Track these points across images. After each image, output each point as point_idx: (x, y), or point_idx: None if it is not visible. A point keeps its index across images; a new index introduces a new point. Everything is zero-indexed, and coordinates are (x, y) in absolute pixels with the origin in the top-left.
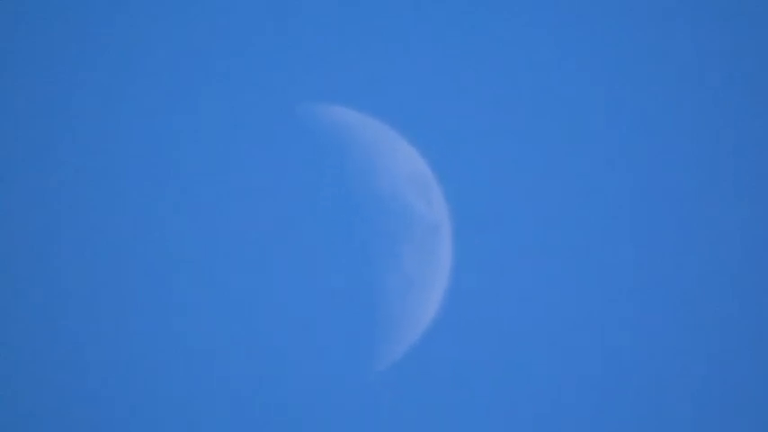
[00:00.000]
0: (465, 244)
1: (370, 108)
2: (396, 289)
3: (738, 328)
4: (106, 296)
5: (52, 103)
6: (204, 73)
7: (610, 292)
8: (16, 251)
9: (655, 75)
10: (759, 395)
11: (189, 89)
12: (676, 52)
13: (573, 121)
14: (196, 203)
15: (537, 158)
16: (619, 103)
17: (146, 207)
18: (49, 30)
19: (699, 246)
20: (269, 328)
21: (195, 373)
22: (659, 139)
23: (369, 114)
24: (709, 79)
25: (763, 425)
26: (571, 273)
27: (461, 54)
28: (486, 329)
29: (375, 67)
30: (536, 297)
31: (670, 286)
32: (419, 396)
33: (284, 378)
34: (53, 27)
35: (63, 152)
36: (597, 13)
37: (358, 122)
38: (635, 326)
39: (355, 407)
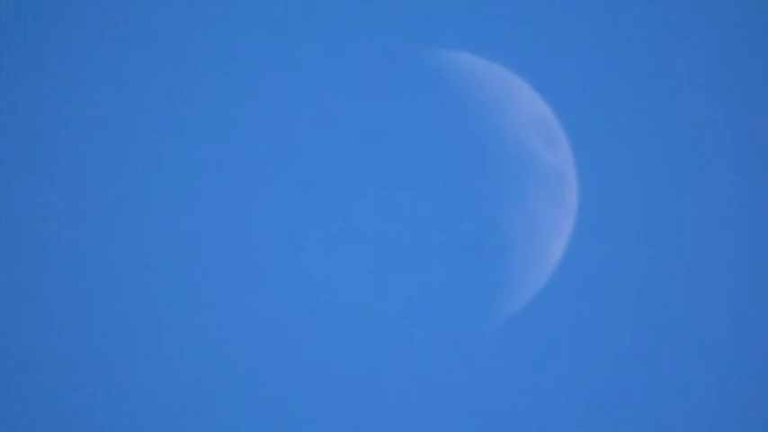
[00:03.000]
0: (589, 188)
1: (494, 54)
2: (522, 231)
3: None
4: (120, 294)
5: (65, 101)
6: (322, 16)
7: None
8: (15, 251)
9: None
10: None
11: (311, 31)
12: None
13: (700, 72)
14: (310, 143)
15: (658, 107)
16: None
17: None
18: (50, 29)
19: None
20: (388, 266)
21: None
22: None
23: (492, 60)
24: None
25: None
26: (696, 219)
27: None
28: (610, 275)
29: (499, 11)
30: (661, 243)
31: None
32: (543, 340)
33: (404, 324)
34: (53, 27)
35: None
36: None
37: (481, 68)
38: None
39: (481, 350)
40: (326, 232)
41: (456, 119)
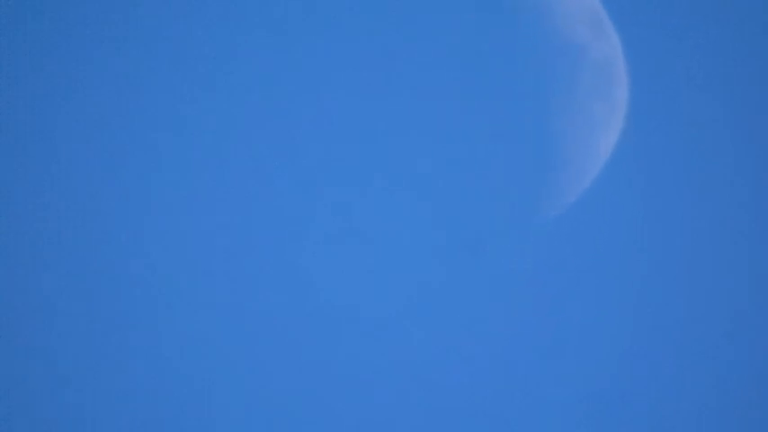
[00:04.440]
0: (639, 80)
1: None
2: (571, 124)
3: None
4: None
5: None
6: None
7: None
8: (15, 251)
9: None
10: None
11: None
12: None
13: None
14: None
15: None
16: None
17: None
18: (50, 29)
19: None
20: (388, 266)
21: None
22: None
23: None
24: None
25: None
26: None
27: None
28: (661, 167)
29: None
30: (709, 133)
31: None
32: (592, 234)
33: (404, 324)
34: (53, 27)
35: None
36: None
37: None
38: None
39: (527, 246)
40: (326, 232)
41: (502, 11)
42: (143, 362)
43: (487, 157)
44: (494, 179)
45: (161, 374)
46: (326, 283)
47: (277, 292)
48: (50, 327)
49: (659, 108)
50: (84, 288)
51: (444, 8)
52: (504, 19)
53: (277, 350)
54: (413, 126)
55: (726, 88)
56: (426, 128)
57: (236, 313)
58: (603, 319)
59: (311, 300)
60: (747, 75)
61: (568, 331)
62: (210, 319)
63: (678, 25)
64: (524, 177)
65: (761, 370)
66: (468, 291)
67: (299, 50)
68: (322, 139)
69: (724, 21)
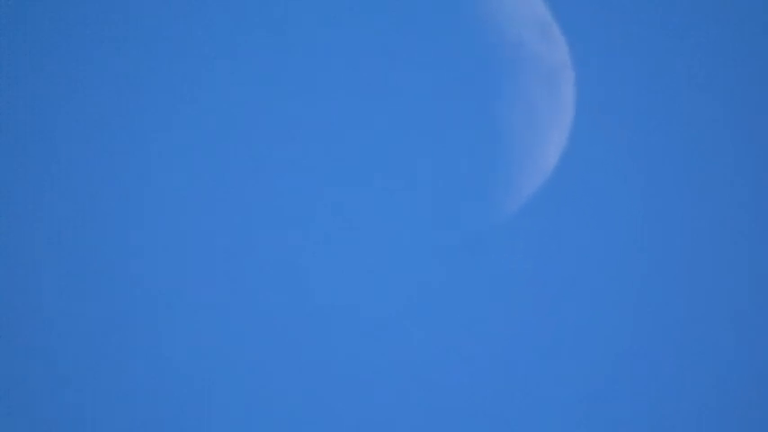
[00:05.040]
0: (588, 85)
1: None
2: (519, 128)
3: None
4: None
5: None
6: None
7: None
8: (15, 251)
9: None
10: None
11: None
12: None
13: None
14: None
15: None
16: None
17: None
18: (50, 29)
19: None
20: (388, 264)
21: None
22: None
23: None
24: None
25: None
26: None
27: None
28: (611, 166)
29: None
30: (659, 132)
31: None
32: (542, 232)
33: (404, 324)
34: (53, 27)
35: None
36: None
37: None
38: None
39: (478, 245)
40: (326, 232)
41: (450, 15)
42: (143, 362)
43: (445, 150)
44: (448, 279)
45: (160, 374)
46: (326, 282)
47: (276, 291)
48: (50, 327)
49: (608, 105)
50: (84, 288)
51: (396, 11)
52: (452, 20)
53: (276, 350)
54: (393, 126)
55: (675, 85)
56: (389, 128)
57: (235, 313)
58: (602, 317)
59: (310, 300)
60: (699, 71)
61: (568, 330)
62: (210, 319)
63: (626, 25)
64: (477, 172)
65: (761, 370)
66: (468, 290)
67: (298, 50)
68: (322, 139)
69: (672, 19)
